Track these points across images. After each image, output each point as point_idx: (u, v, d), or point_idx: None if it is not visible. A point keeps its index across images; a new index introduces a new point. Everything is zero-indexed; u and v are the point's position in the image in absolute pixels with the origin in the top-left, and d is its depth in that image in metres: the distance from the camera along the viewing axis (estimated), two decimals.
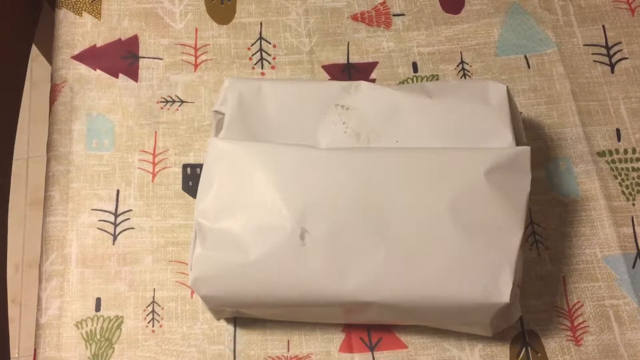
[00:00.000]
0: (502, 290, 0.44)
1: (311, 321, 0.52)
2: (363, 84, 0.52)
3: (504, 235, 0.45)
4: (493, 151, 0.47)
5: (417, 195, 0.46)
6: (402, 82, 0.62)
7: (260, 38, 0.64)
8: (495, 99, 0.51)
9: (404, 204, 0.46)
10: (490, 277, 0.44)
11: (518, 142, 0.50)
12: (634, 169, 0.58)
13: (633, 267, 0.54)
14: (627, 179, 0.57)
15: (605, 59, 0.63)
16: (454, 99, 0.51)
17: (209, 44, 0.63)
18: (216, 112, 0.52)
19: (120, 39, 0.63)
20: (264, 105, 0.51)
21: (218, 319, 0.52)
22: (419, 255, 0.45)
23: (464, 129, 0.49)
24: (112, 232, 0.55)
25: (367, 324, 0.52)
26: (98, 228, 0.55)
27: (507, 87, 0.51)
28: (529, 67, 0.62)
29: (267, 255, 0.45)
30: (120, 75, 0.62)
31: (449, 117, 0.50)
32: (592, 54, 0.63)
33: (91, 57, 0.62)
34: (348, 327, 0.52)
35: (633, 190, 0.57)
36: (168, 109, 0.60)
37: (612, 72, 0.62)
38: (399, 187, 0.46)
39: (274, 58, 0.63)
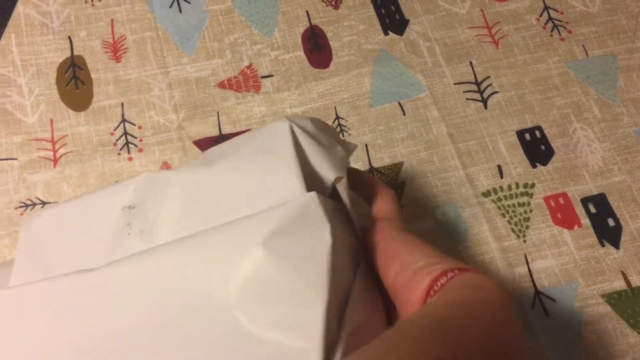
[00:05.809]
0: None
1: None
2: (142, 176, 0.44)
3: (302, 315, 0.33)
4: (267, 213, 0.37)
5: (195, 302, 0.36)
6: None
7: (123, 120, 0.60)
8: (279, 141, 0.42)
9: (184, 315, 0.35)
10: None
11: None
12: (520, 204, 0.57)
13: (532, 307, 0.53)
14: (515, 216, 0.57)
15: (477, 95, 0.62)
16: (236, 159, 0.42)
17: (67, 135, 0.59)
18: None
19: None
20: (54, 235, 0.44)
21: None
22: None
23: (249, 191, 0.40)
24: None
25: None
26: None
27: (290, 123, 0.42)
28: (404, 114, 0.61)
29: None
30: None
31: (231, 183, 0.41)
32: (464, 91, 0.62)
33: None
34: None
35: (522, 226, 0.56)
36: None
37: (486, 107, 0.62)
38: (175, 295, 0.36)
39: (140, 140, 0.59)
